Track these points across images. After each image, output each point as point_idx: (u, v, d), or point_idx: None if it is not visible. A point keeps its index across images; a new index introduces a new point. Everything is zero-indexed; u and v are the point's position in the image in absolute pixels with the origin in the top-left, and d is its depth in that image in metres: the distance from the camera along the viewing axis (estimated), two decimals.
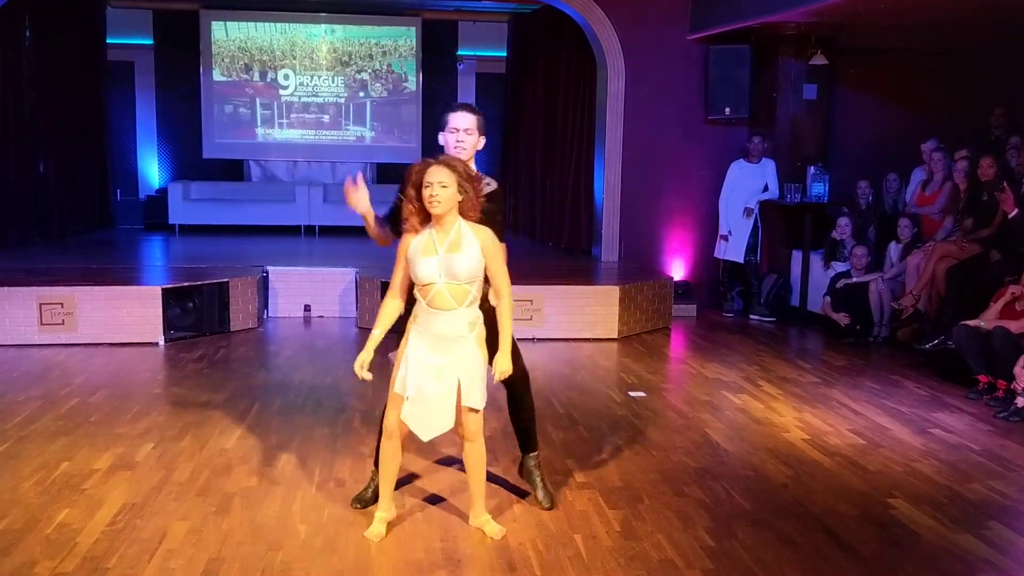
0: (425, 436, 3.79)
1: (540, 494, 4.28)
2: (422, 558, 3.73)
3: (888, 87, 9.70)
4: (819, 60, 9.26)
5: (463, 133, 4.08)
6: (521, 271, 9.12)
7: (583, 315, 8.14)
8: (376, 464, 4.17)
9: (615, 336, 8.16)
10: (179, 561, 3.64)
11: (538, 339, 7.95)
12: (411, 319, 3.79)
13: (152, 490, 4.37)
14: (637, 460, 4.97)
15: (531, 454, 4.36)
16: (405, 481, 4.47)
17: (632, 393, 6.37)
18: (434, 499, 4.33)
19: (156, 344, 7.60)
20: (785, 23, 8.66)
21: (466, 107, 4.15)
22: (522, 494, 4.40)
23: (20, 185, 10.34)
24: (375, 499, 4.08)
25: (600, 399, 6.23)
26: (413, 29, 13.41)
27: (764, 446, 5.28)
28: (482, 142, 4.15)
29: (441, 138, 4.16)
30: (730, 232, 9.44)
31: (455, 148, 4.07)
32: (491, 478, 4.40)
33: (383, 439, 3.90)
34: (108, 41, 12.65)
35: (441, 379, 3.72)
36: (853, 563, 3.78)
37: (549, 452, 5.04)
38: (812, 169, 9.19)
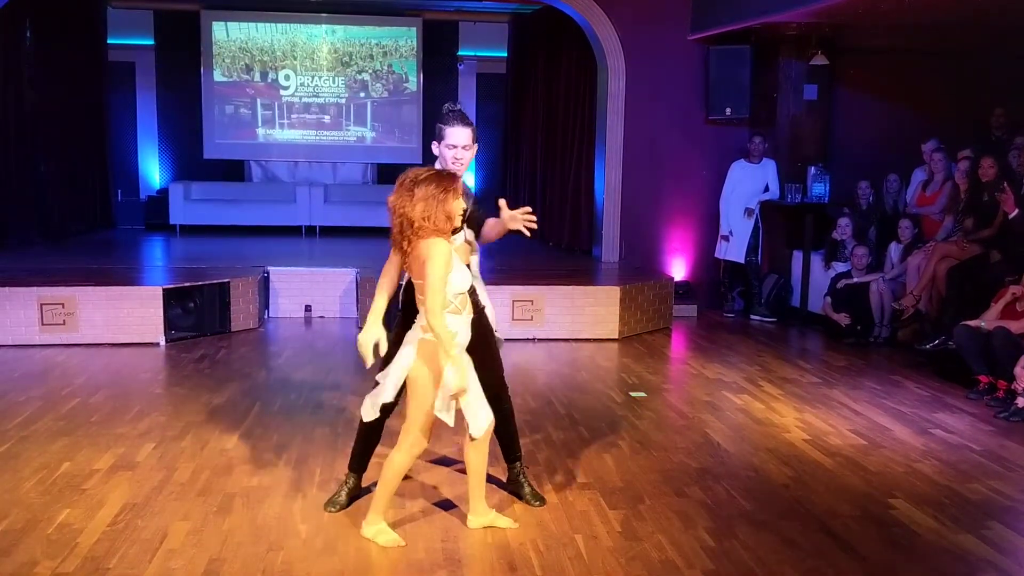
0: (479, 432, 3.84)
1: (529, 497, 4.31)
2: (423, 558, 3.73)
3: (888, 87, 9.69)
4: (819, 60, 9.27)
5: (462, 150, 4.03)
6: (521, 271, 9.18)
7: (583, 315, 8.14)
8: (353, 468, 4.25)
9: (616, 336, 8.16)
10: (180, 561, 3.64)
11: (538, 339, 7.95)
12: (447, 335, 3.68)
13: (153, 490, 4.38)
14: (638, 460, 4.97)
15: (517, 462, 4.40)
16: (404, 480, 4.46)
17: (633, 393, 6.37)
18: (435, 499, 4.33)
19: (157, 344, 7.61)
20: (786, 23, 8.65)
21: (462, 119, 4.05)
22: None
23: (20, 185, 10.35)
24: (348, 503, 4.17)
25: (601, 399, 6.23)
26: (414, 29, 13.42)
27: (765, 446, 5.28)
28: (475, 150, 4.11)
29: (435, 148, 4.08)
30: (731, 232, 9.44)
31: (453, 163, 4.02)
32: (490, 478, 4.40)
33: (413, 452, 3.82)
34: (109, 41, 12.67)
35: (472, 375, 3.81)
36: (853, 563, 3.78)
37: (549, 452, 5.04)
38: (813, 169, 9.19)
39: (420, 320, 3.78)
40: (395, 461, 3.84)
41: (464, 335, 3.78)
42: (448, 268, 3.63)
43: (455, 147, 4.01)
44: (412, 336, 3.80)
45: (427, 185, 3.60)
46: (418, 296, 3.76)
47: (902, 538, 4.04)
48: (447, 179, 3.67)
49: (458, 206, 3.67)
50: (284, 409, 5.82)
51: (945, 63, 9.38)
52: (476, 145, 4.11)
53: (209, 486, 4.44)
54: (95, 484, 4.44)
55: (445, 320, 3.64)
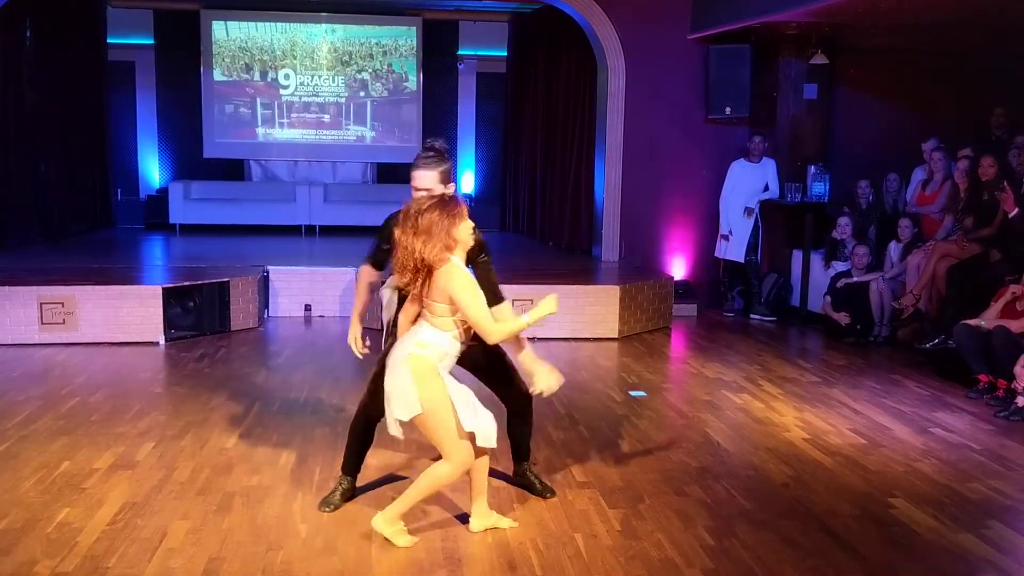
0: (493, 442, 3.82)
1: (541, 490, 4.41)
2: (423, 558, 3.73)
3: (888, 87, 9.69)
4: (819, 60, 9.27)
5: (422, 192, 3.87)
6: (521, 271, 9.17)
7: (583, 315, 8.14)
8: (347, 471, 4.26)
9: (615, 336, 8.16)
10: (179, 560, 3.64)
11: (538, 339, 7.94)
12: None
13: (153, 489, 4.38)
14: (637, 460, 4.97)
15: (527, 461, 4.48)
16: (402, 479, 4.47)
17: (633, 393, 6.38)
18: (434, 499, 4.32)
19: (157, 343, 7.61)
20: (786, 23, 8.65)
21: (427, 161, 3.95)
22: (523, 494, 4.41)
23: (20, 185, 10.34)
24: (344, 501, 4.19)
25: (600, 399, 6.23)
26: (414, 29, 13.41)
27: (764, 445, 5.28)
28: (451, 188, 3.98)
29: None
30: (731, 232, 9.44)
31: None
32: (497, 474, 4.40)
33: (460, 471, 3.77)
34: (109, 41, 12.66)
35: (464, 388, 3.83)
36: (853, 563, 3.78)
37: (549, 452, 5.05)
38: (812, 169, 9.20)
39: (414, 333, 3.74)
40: (440, 473, 3.77)
41: (452, 357, 3.76)
42: (474, 289, 3.66)
43: (416, 189, 3.92)
44: (401, 353, 3.71)
45: (430, 213, 3.60)
46: (424, 312, 3.74)
47: (902, 537, 4.04)
48: (451, 204, 3.66)
49: (466, 227, 3.67)
50: (284, 409, 5.82)
51: (945, 63, 9.38)
52: (452, 184, 4.01)
53: (209, 485, 4.44)
54: (95, 483, 4.44)
55: (496, 325, 3.69)
